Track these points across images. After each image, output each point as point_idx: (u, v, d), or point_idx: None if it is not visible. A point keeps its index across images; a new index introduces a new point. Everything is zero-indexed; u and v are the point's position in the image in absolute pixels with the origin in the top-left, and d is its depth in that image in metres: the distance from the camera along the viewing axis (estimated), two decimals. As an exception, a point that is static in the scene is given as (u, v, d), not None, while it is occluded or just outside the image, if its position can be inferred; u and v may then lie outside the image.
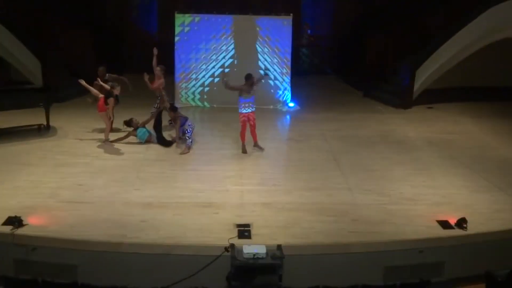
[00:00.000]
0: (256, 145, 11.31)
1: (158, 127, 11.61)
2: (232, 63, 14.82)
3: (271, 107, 14.63)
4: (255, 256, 6.98)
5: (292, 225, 8.02)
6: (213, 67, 14.88)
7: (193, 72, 14.89)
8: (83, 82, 11.34)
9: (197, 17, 14.63)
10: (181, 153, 11.03)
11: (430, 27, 15.66)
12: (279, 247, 7.22)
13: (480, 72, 15.23)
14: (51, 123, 12.18)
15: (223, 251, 7.16)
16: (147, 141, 11.51)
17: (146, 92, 12.30)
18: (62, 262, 7.33)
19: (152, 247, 7.37)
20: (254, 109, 11.03)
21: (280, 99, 15.05)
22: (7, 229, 7.46)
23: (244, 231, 7.67)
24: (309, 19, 19.75)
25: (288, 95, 15.08)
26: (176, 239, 7.51)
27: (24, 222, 7.62)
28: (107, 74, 12.09)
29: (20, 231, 7.45)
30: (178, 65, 14.78)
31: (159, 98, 12.12)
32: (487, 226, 8.04)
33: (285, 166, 10.94)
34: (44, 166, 10.06)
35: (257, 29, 14.68)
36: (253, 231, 7.71)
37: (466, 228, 7.88)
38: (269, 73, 14.44)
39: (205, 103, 15.11)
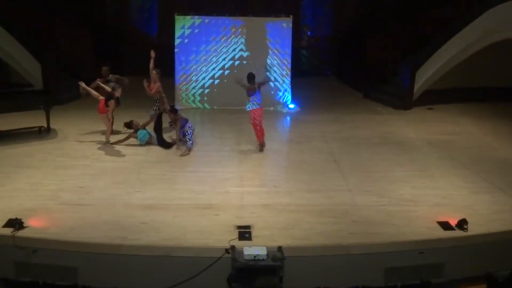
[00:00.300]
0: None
1: (158, 129, 11.61)
2: (232, 64, 14.84)
3: (271, 108, 14.62)
4: (256, 258, 6.98)
5: (292, 226, 8.02)
6: (213, 69, 14.90)
7: (193, 74, 14.90)
8: (83, 85, 11.35)
9: (198, 19, 14.66)
10: (182, 155, 11.04)
11: (430, 27, 15.67)
12: (279, 248, 7.22)
13: (480, 72, 15.25)
14: (51, 126, 12.19)
15: (223, 253, 7.16)
16: (148, 143, 11.51)
17: (146, 94, 12.30)
18: (63, 264, 7.34)
19: (153, 249, 7.38)
20: (257, 106, 11.15)
21: (280, 100, 15.06)
22: (8, 231, 7.47)
23: (244, 233, 7.68)
24: (309, 21, 19.77)
25: (288, 96, 15.10)
26: (176, 241, 7.52)
27: (24, 224, 7.62)
28: (110, 75, 12.10)
29: (21, 233, 7.46)
30: (178, 67, 14.79)
31: (157, 101, 12.14)
32: (488, 227, 8.04)
33: (285, 167, 10.95)
34: (45, 168, 10.07)
35: (257, 30, 14.69)
36: (253, 233, 7.71)
37: (466, 229, 7.88)
38: (269, 74, 14.37)
39: (205, 105, 15.12)
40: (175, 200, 8.83)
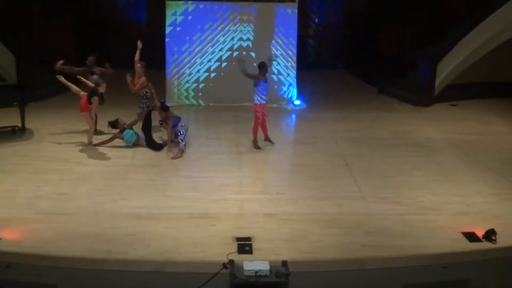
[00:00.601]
0: (267, 139, 11.84)
1: (147, 128, 11.62)
2: (230, 55, 14.85)
3: (275, 105, 14.65)
4: (258, 274, 6.98)
5: (298, 238, 8.02)
6: (209, 60, 14.93)
7: (186, 66, 14.94)
8: (61, 79, 11.33)
9: (191, 5, 14.69)
10: (173, 158, 11.05)
11: (452, 14, 15.68)
12: (284, 263, 7.22)
13: (508, 65, 15.25)
14: (26, 125, 12.20)
15: (221, 268, 7.15)
16: (135, 145, 11.52)
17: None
18: (40, 281, 7.32)
19: (141, 264, 7.37)
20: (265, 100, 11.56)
21: (285, 96, 15.09)
22: (-22, 244, 7.48)
23: (244, 245, 7.67)
24: (317, 6, 19.81)
25: (293, 91, 15.12)
26: (168, 254, 7.51)
27: (-3, 237, 7.62)
28: (96, 66, 12.10)
29: (-8, 246, 7.46)
30: (169, 58, 14.83)
31: (144, 97, 12.15)
32: (519, 239, 8.05)
33: (290, 172, 10.96)
34: (19, 173, 10.06)
35: (259, 17, 14.70)
36: (254, 246, 7.71)
37: (495, 240, 7.87)
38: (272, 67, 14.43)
39: (200, 101, 15.14)
40: (167, 209, 8.83)
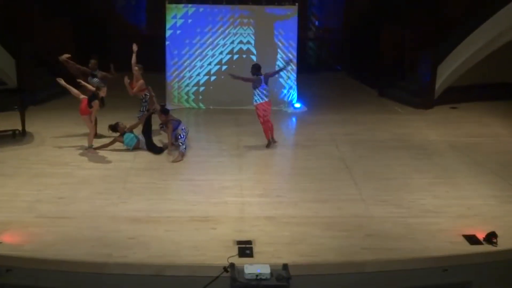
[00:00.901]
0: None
1: (147, 132, 11.63)
2: (230, 59, 14.87)
3: (275, 108, 14.56)
4: (258, 277, 6.97)
5: (299, 241, 8.02)
6: (209, 64, 14.95)
7: (186, 69, 14.95)
8: (62, 82, 11.37)
9: (191, 8, 14.71)
10: (174, 161, 11.06)
11: (453, 15, 15.69)
12: (285, 266, 7.22)
13: (509, 67, 15.25)
14: (27, 128, 12.22)
15: (221, 271, 7.15)
16: (135, 148, 11.54)
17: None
18: (41, 285, 7.32)
19: (141, 267, 7.37)
20: (266, 99, 11.65)
21: (285, 99, 15.10)
22: (-22, 248, 7.49)
23: (245, 249, 7.67)
24: (317, 9, 19.82)
25: (293, 94, 15.13)
26: (168, 258, 7.51)
27: (-3, 241, 7.64)
28: (97, 70, 12.13)
29: (-7, 250, 7.47)
30: (169, 62, 14.84)
31: (143, 101, 12.17)
32: (520, 241, 8.05)
33: (290, 175, 10.96)
34: (20, 176, 10.08)
35: (259, 20, 14.72)
36: (255, 249, 7.71)
37: (496, 243, 7.87)
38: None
39: (200, 105, 15.15)
40: (167, 212, 8.83)
